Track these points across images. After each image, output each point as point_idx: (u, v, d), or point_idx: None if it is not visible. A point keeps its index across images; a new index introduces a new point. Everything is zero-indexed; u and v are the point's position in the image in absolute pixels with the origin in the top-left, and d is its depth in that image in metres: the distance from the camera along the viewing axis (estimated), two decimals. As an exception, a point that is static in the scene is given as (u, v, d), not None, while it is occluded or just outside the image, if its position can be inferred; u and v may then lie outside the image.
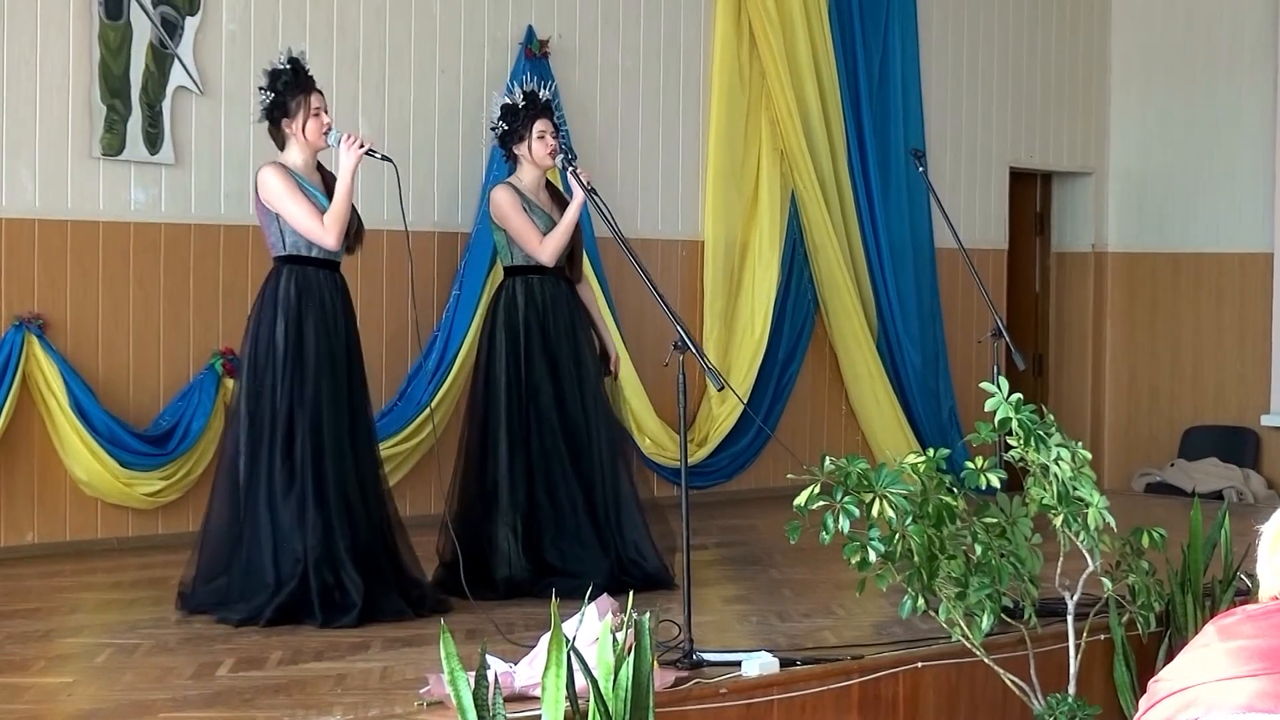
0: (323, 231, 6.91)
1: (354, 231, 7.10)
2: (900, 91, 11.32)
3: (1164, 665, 2.62)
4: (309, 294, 6.95)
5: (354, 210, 7.08)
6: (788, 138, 10.63)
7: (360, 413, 7.08)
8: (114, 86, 8.41)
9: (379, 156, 7.05)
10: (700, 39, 10.56)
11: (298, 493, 6.82)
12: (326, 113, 7.10)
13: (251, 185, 7.17)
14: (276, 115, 7.09)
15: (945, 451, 6.06)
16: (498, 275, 9.24)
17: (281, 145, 7.14)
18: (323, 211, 6.94)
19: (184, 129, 8.65)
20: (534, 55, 9.64)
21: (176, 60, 8.60)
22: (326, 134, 7.04)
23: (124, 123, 8.44)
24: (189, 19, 8.64)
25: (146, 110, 8.51)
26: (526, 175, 7.73)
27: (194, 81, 8.65)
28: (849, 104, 11.02)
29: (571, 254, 7.73)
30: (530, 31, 9.69)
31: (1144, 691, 2.54)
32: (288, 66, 7.07)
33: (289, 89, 7.04)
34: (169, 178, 8.61)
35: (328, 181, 7.08)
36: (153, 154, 8.53)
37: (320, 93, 7.12)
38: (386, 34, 9.26)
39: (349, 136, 7.00)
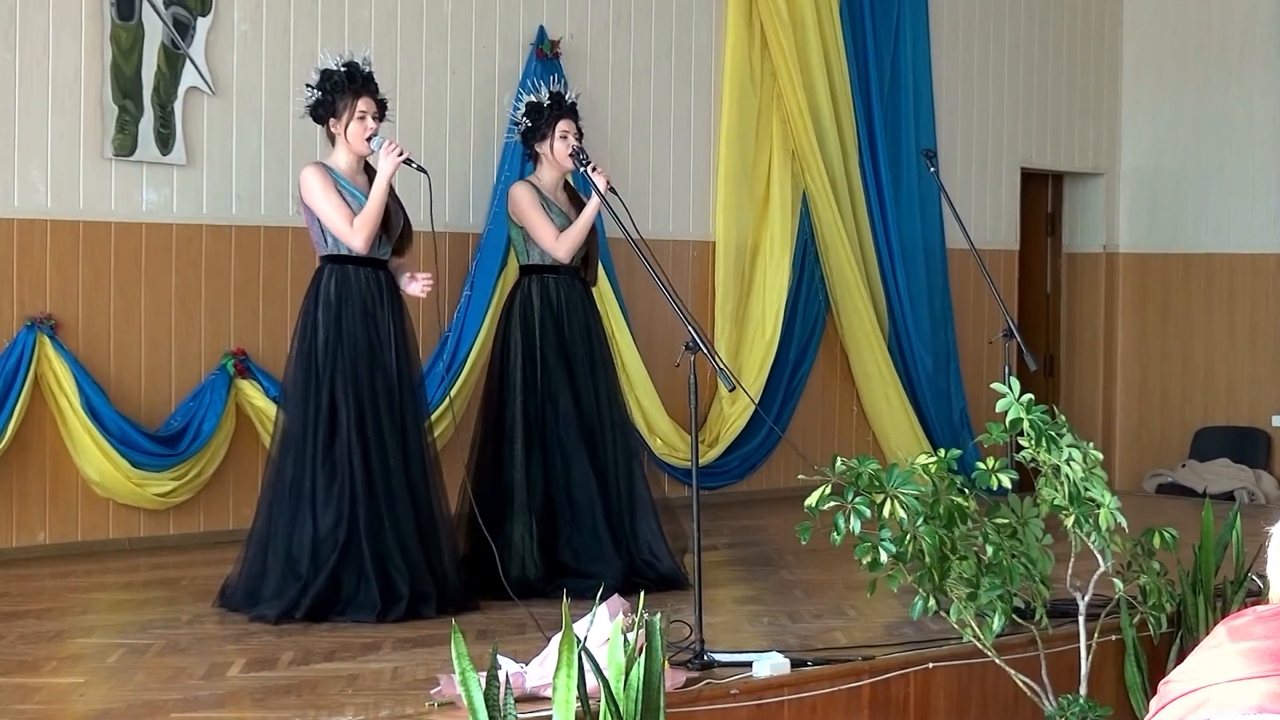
0: (350, 232, 6.97)
1: (401, 232, 7.19)
2: (911, 91, 11.32)
3: (1175, 666, 2.62)
4: (348, 292, 7.03)
5: (403, 211, 7.21)
6: (799, 138, 10.63)
7: (411, 408, 7.12)
8: (126, 87, 8.42)
9: (415, 167, 7.09)
10: (711, 39, 10.56)
11: (340, 486, 6.88)
12: (376, 119, 7.13)
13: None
14: (321, 114, 7.15)
15: (956, 452, 6.07)
16: (509, 276, 9.27)
17: (332, 143, 7.22)
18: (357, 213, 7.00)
19: (196, 129, 8.66)
20: (545, 56, 9.64)
21: (188, 61, 8.61)
22: (369, 139, 7.08)
23: (136, 123, 8.45)
24: (201, 19, 8.65)
25: (158, 111, 8.51)
26: (546, 174, 7.76)
27: (206, 82, 8.66)
28: (860, 104, 11.02)
29: (587, 256, 7.75)
30: (541, 32, 9.70)
31: (1155, 692, 2.54)
32: (342, 69, 7.11)
33: (338, 90, 7.08)
34: (181, 178, 8.62)
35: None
36: (164, 154, 8.54)
37: (375, 98, 7.15)
38: (398, 34, 9.27)
39: (390, 143, 7.04)
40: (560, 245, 7.61)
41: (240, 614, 6.83)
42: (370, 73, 7.22)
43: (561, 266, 7.65)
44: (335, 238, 7.04)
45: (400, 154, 7.02)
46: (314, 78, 7.19)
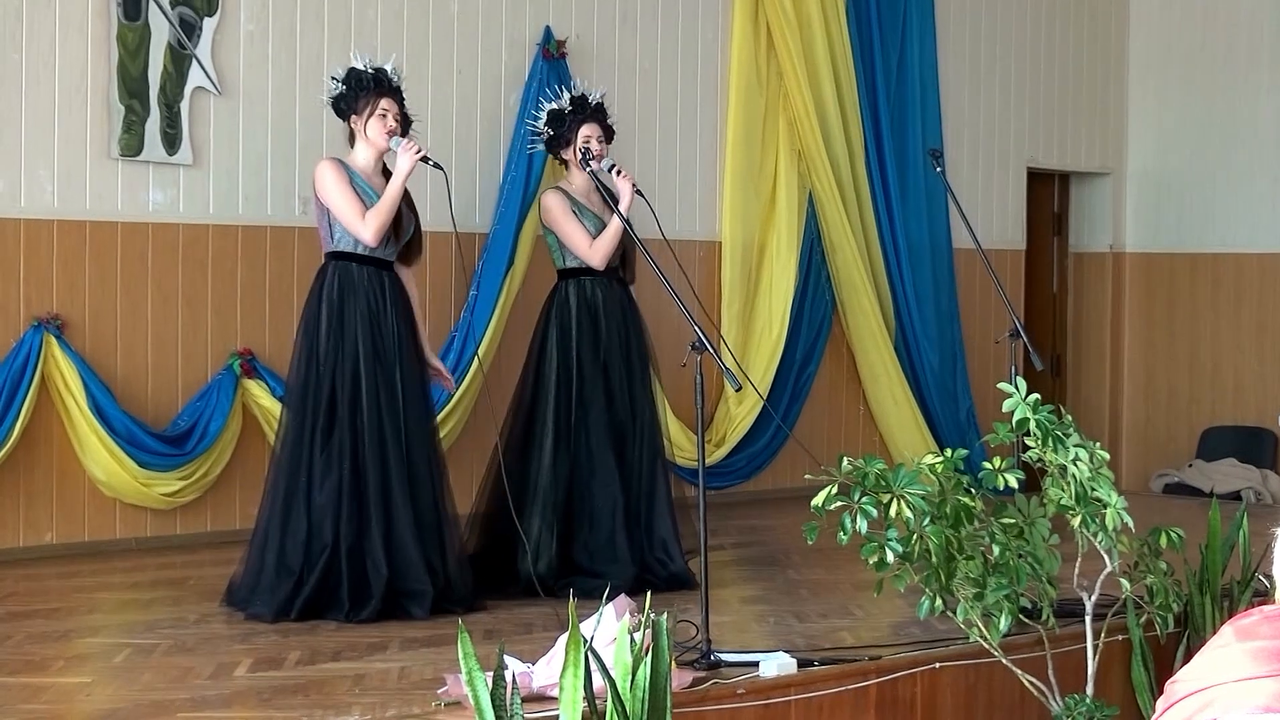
0: (361, 225, 6.97)
1: (410, 240, 7.20)
2: (918, 91, 11.31)
3: (1182, 666, 2.61)
4: (351, 290, 7.03)
5: (415, 220, 7.19)
6: (805, 138, 10.62)
7: (415, 408, 7.10)
8: (132, 87, 8.42)
9: (432, 164, 7.08)
10: (718, 39, 10.56)
11: (334, 481, 6.87)
12: (398, 121, 7.13)
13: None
14: (342, 108, 7.17)
15: (963, 452, 6.06)
16: (515, 276, 9.28)
17: (352, 142, 7.22)
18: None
19: (202, 130, 8.66)
20: (551, 56, 9.64)
21: (194, 61, 8.62)
22: (389, 137, 7.08)
23: (142, 123, 8.45)
24: (207, 20, 8.66)
25: (164, 111, 8.52)
26: (577, 179, 7.77)
27: (212, 82, 8.67)
28: (867, 104, 11.01)
29: (624, 255, 7.75)
30: (547, 32, 9.69)
31: (1161, 692, 2.53)
32: (370, 71, 7.12)
33: (362, 86, 7.10)
34: (187, 178, 8.62)
35: None
36: (171, 155, 8.55)
37: (398, 101, 7.16)
38: (404, 34, 9.27)
39: (408, 142, 7.05)
40: (594, 254, 7.61)
41: (239, 612, 6.84)
42: (399, 86, 7.22)
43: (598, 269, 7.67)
44: (343, 233, 7.04)
45: (418, 152, 7.03)
46: (340, 73, 7.21)
